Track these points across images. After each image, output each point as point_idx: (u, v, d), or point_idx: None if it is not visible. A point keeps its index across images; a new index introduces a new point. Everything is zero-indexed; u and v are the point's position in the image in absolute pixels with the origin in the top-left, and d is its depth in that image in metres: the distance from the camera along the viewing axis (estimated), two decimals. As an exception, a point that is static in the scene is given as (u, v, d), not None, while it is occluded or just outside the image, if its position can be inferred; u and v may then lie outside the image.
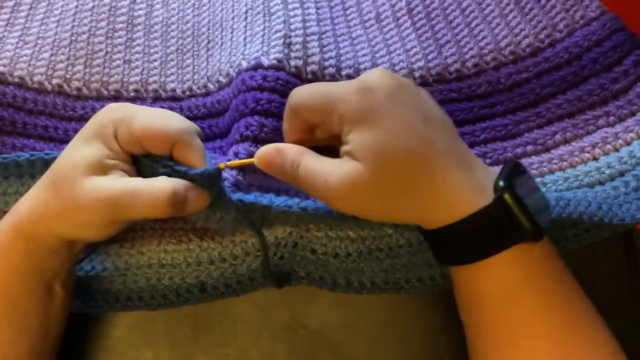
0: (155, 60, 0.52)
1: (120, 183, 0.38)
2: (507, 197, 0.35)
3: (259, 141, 0.43)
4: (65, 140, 0.50)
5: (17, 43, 0.51)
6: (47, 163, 0.41)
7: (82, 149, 0.39)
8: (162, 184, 0.39)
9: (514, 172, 0.37)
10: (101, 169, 0.39)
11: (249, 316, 0.43)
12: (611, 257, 0.44)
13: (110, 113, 0.39)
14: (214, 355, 0.42)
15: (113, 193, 0.38)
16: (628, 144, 0.44)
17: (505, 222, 0.35)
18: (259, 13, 0.51)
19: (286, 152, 0.39)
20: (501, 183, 0.35)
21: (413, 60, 0.51)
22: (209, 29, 0.54)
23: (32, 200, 0.39)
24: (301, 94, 0.39)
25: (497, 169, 0.38)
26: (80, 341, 0.41)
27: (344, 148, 0.37)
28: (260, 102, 0.45)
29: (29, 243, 0.40)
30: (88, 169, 0.39)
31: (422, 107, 0.37)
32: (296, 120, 0.40)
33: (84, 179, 0.38)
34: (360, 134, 0.36)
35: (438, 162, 0.36)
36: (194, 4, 0.53)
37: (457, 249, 0.38)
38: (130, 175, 0.40)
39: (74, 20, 0.53)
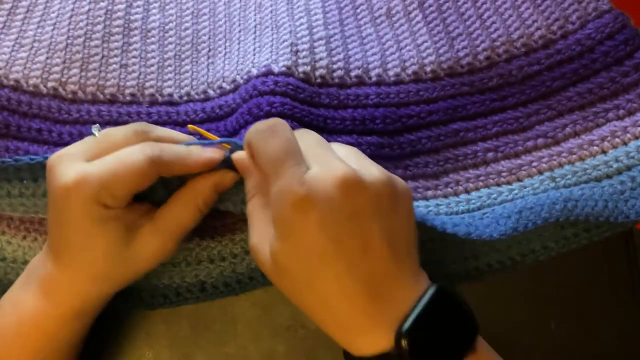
0: (152, 65, 0.59)
1: (166, 228, 0.43)
2: (404, 345, 0.36)
3: None
4: (59, 143, 0.54)
5: (13, 46, 0.59)
6: (31, 167, 0.46)
7: (96, 238, 0.41)
8: (191, 203, 0.44)
9: (432, 301, 0.37)
10: (132, 230, 0.42)
11: (249, 316, 0.48)
12: (611, 257, 0.45)
13: (79, 196, 0.40)
14: (214, 355, 0.46)
15: (175, 240, 0.44)
16: (637, 138, 0.51)
17: None
18: (267, 27, 0.60)
19: (251, 178, 0.43)
20: (404, 327, 0.36)
21: (424, 55, 0.58)
22: (209, 38, 0.61)
23: (76, 290, 0.43)
24: (261, 144, 0.40)
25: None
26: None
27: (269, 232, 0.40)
28: (274, 105, 0.52)
29: (83, 321, 0.45)
30: (126, 242, 0.42)
31: (365, 234, 0.37)
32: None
33: (135, 250, 0.42)
34: (275, 240, 0.38)
35: (340, 304, 0.37)
36: (192, 12, 0.63)
37: None
38: (148, 209, 0.44)
39: (69, 24, 0.60)
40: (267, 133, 0.40)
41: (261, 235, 0.39)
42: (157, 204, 0.45)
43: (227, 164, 0.44)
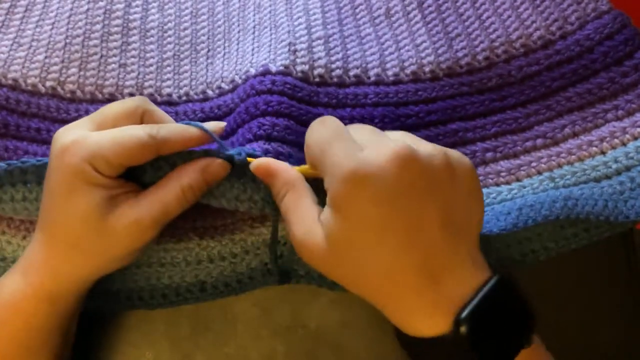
0: (151, 65, 0.59)
1: (148, 203, 0.42)
2: (463, 331, 0.35)
3: (272, 139, 0.50)
4: None
5: (12, 45, 0.60)
6: (38, 168, 0.46)
7: (76, 201, 0.41)
8: (174, 184, 0.43)
9: (492, 291, 0.37)
10: (112, 204, 0.42)
11: (248, 316, 0.49)
12: (611, 257, 0.46)
13: (73, 154, 0.41)
14: (214, 355, 0.48)
15: (152, 216, 0.42)
16: (636, 138, 0.51)
17: (460, 355, 0.36)
18: (266, 27, 0.60)
19: (277, 177, 0.43)
20: (464, 314, 0.36)
21: (423, 55, 0.58)
22: (208, 38, 0.62)
23: (51, 264, 0.42)
24: (309, 135, 0.41)
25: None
26: (80, 341, 0.42)
27: (322, 215, 0.39)
28: (270, 104, 0.52)
29: (57, 304, 0.44)
30: (102, 213, 0.41)
31: (421, 210, 0.36)
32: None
33: (108, 222, 0.41)
34: (333, 219, 0.38)
35: (399, 279, 0.37)
36: (191, 12, 0.63)
37: (415, 356, 0.41)
38: (134, 190, 0.44)
39: (68, 23, 0.60)
40: (317, 123, 0.41)
41: (306, 226, 0.39)
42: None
43: (238, 165, 0.44)
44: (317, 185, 0.41)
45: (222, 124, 0.46)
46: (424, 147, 0.38)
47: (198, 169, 0.43)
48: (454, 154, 0.39)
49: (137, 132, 0.41)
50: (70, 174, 0.40)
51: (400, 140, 0.38)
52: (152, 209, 0.42)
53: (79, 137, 0.41)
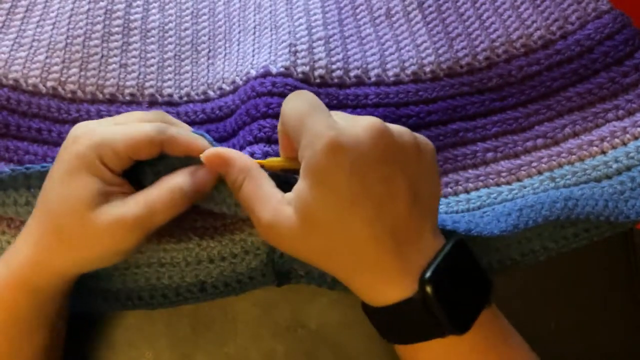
0: (152, 65, 0.59)
1: (134, 203, 0.42)
2: (428, 291, 0.37)
3: (272, 141, 0.50)
4: (58, 143, 0.55)
5: (12, 45, 0.60)
6: (42, 174, 0.45)
7: (72, 186, 0.41)
8: (164, 186, 0.43)
9: (450, 254, 0.39)
10: (104, 199, 0.42)
11: (249, 316, 0.49)
12: (611, 257, 0.46)
13: (82, 141, 0.42)
14: (214, 355, 0.47)
15: (135, 215, 0.42)
16: (636, 138, 0.51)
17: (427, 317, 0.38)
18: (266, 28, 0.60)
19: (232, 165, 0.42)
20: (427, 275, 0.38)
21: (423, 55, 0.58)
22: (209, 39, 0.62)
23: (31, 252, 0.42)
24: (286, 105, 0.42)
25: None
26: (80, 341, 0.42)
27: (291, 193, 0.40)
28: (271, 106, 0.52)
29: (37, 296, 0.43)
30: (92, 204, 0.41)
31: (391, 180, 0.38)
32: (284, 134, 0.43)
33: (93, 215, 0.41)
34: (306, 189, 0.38)
35: (369, 247, 0.38)
36: (192, 12, 0.63)
37: (386, 329, 0.41)
38: (130, 192, 0.44)
39: (69, 23, 0.60)
40: (294, 95, 0.41)
41: (273, 208, 0.39)
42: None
43: None
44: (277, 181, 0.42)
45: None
46: (394, 126, 0.40)
47: (187, 172, 0.43)
48: (419, 135, 0.41)
49: (146, 127, 0.42)
50: (74, 158, 0.41)
51: (372, 118, 0.40)
52: (136, 209, 0.41)
53: (89, 128, 0.42)
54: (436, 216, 0.41)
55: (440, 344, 0.39)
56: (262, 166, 0.43)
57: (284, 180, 0.42)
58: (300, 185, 0.39)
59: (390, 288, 0.38)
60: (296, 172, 0.42)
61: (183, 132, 0.44)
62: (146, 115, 0.45)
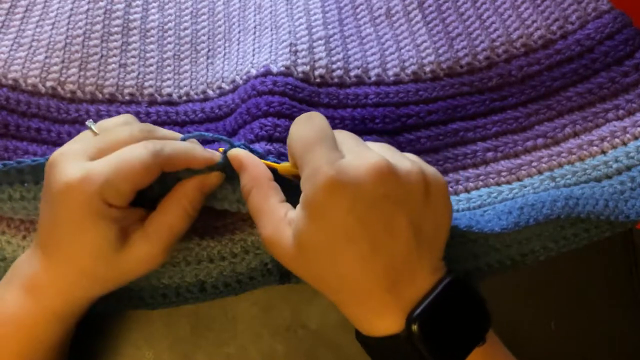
0: (151, 65, 0.60)
1: (156, 236, 0.43)
2: (414, 329, 0.37)
3: (273, 140, 0.50)
4: (58, 142, 0.54)
5: (12, 45, 0.60)
6: (34, 168, 0.46)
7: (88, 236, 0.41)
8: (177, 207, 0.44)
9: (446, 291, 0.39)
10: (124, 235, 0.42)
11: (249, 316, 0.49)
12: (611, 257, 0.45)
13: (83, 190, 0.40)
14: (214, 355, 0.47)
15: (161, 247, 0.43)
16: (636, 138, 0.51)
17: (413, 354, 0.38)
18: (266, 28, 0.60)
19: (246, 171, 0.43)
20: (415, 313, 0.38)
21: (423, 55, 0.58)
22: (209, 38, 0.62)
23: (62, 287, 0.43)
24: (294, 129, 0.42)
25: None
26: (80, 341, 0.42)
27: (291, 213, 0.40)
28: (272, 104, 0.52)
29: (65, 323, 0.44)
30: (115, 246, 0.41)
31: (392, 222, 0.38)
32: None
33: (121, 257, 0.42)
34: (303, 219, 0.39)
35: (360, 283, 0.38)
36: (191, 12, 0.63)
37: (376, 357, 0.42)
38: (141, 215, 0.44)
39: (68, 23, 0.61)
40: (304, 120, 0.41)
41: (274, 225, 0.40)
42: (154, 201, 0.45)
43: (222, 165, 0.45)
44: (289, 184, 0.43)
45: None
46: (403, 163, 0.39)
47: (195, 186, 0.44)
48: (430, 170, 0.40)
49: (140, 153, 0.41)
50: (80, 210, 0.40)
51: (380, 153, 0.39)
52: (161, 238, 0.43)
53: (84, 172, 0.40)
54: (441, 252, 0.41)
55: None
56: (275, 169, 0.44)
57: (296, 184, 0.42)
58: (299, 214, 0.39)
59: (380, 321, 0.39)
60: None
61: (178, 148, 0.43)
62: (134, 131, 0.44)
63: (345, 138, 0.41)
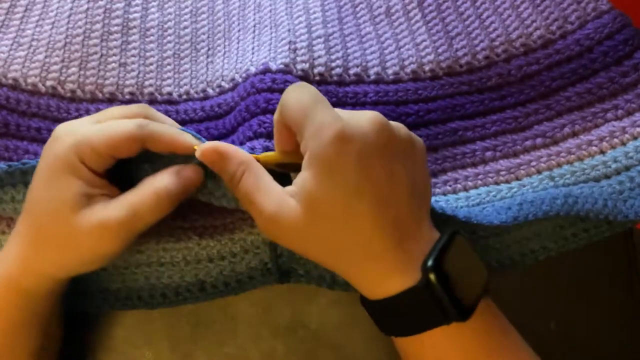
0: (151, 64, 0.60)
1: (117, 206, 0.41)
2: (432, 278, 0.38)
3: (272, 137, 0.49)
4: None
5: (12, 45, 0.60)
6: (24, 173, 0.46)
7: (54, 188, 0.41)
8: (148, 188, 0.42)
9: (448, 243, 0.40)
10: (87, 201, 0.41)
11: (249, 316, 0.50)
12: (611, 257, 0.46)
13: (62, 142, 0.41)
14: (214, 355, 0.48)
15: (118, 219, 0.41)
16: (635, 138, 0.51)
17: (431, 304, 0.38)
18: (266, 26, 0.60)
19: (230, 159, 0.42)
20: (429, 263, 0.38)
21: (423, 54, 0.58)
22: (208, 37, 0.62)
23: (19, 255, 0.42)
24: (289, 96, 0.41)
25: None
26: (79, 341, 0.42)
27: (293, 186, 0.40)
28: (271, 102, 0.52)
29: (27, 297, 0.43)
30: (74, 207, 0.41)
31: (393, 171, 0.39)
32: (282, 126, 0.43)
33: (76, 218, 0.41)
34: (312, 179, 0.39)
35: (374, 238, 0.39)
36: (191, 11, 0.63)
37: (388, 322, 0.42)
38: (112, 192, 0.43)
39: (68, 23, 0.61)
40: (296, 87, 0.42)
41: (276, 200, 0.39)
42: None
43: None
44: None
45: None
46: (391, 122, 0.41)
47: (172, 172, 0.43)
48: (411, 132, 0.42)
49: (127, 123, 0.42)
50: (55, 159, 0.41)
51: (374, 112, 0.41)
52: (120, 212, 0.41)
53: (69, 129, 0.42)
54: (429, 208, 0.42)
55: (444, 333, 0.39)
56: (258, 161, 0.44)
57: (279, 174, 0.42)
58: (305, 176, 0.39)
59: (393, 279, 0.39)
60: (292, 166, 0.43)
61: (166, 128, 0.43)
62: (128, 109, 0.45)
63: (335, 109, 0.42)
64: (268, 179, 0.41)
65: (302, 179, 0.39)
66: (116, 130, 0.41)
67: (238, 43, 0.60)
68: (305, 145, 0.39)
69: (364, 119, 0.39)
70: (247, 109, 0.52)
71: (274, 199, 0.39)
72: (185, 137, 0.43)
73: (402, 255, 0.39)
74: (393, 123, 0.40)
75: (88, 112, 0.55)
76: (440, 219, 0.46)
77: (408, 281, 0.38)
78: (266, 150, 0.48)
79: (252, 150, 0.48)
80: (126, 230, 0.41)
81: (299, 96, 0.41)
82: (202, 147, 0.42)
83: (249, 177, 0.41)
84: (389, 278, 0.39)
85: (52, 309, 0.45)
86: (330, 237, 0.39)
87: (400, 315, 0.40)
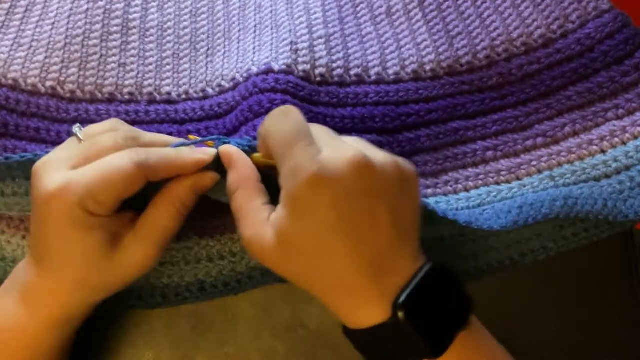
0: (150, 64, 0.60)
1: (149, 236, 0.43)
2: (400, 316, 0.37)
3: None
4: (57, 142, 0.54)
5: (12, 45, 0.60)
6: (22, 165, 0.46)
7: (76, 246, 0.41)
8: (169, 208, 0.44)
9: (428, 277, 0.39)
10: (114, 240, 0.42)
11: (249, 316, 0.52)
12: (611, 257, 0.45)
13: (63, 201, 0.40)
14: (214, 355, 0.49)
15: (155, 246, 0.43)
16: (636, 137, 0.51)
17: (401, 341, 0.38)
18: (267, 27, 0.60)
19: (234, 170, 0.43)
20: (400, 299, 0.38)
21: (424, 53, 0.58)
22: (208, 37, 0.62)
23: (60, 296, 0.42)
24: (272, 126, 0.41)
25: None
26: (79, 341, 0.42)
27: (273, 214, 0.40)
28: (274, 102, 0.52)
29: (64, 329, 0.44)
30: (107, 253, 0.41)
31: (372, 211, 0.38)
32: (263, 142, 0.43)
33: (116, 260, 0.42)
34: (285, 217, 0.39)
35: (347, 275, 0.39)
36: (191, 11, 0.64)
37: (367, 351, 0.42)
38: (131, 218, 0.44)
39: (68, 23, 0.61)
40: (280, 115, 0.41)
41: (256, 224, 0.40)
42: (144, 200, 0.45)
43: (215, 164, 0.45)
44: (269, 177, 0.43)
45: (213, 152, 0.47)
46: (377, 155, 0.40)
47: (189, 187, 0.44)
48: (402, 161, 0.41)
49: (123, 163, 0.41)
50: (64, 222, 0.40)
51: (355, 146, 0.40)
52: (155, 238, 0.43)
53: (64, 182, 0.40)
54: (417, 240, 0.42)
55: None
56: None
57: (268, 175, 0.43)
58: (280, 212, 0.39)
59: (366, 312, 0.39)
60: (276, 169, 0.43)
61: (161, 154, 0.43)
62: (114, 137, 0.43)
63: (320, 132, 0.41)
64: (258, 202, 0.41)
65: (278, 214, 0.39)
66: (116, 176, 0.40)
67: (238, 43, 0.60)
68: (282, 183, 0.39)
69: (343, 159, 0.38)
70: (250, 109, 0.52)
71: (254, 224, 0.40)
72: (186, 158, 0.44)
73: (376, 290, 0.38)
74: (379, 160, 0.39)
75: (87, 113, 0.56)
76: (435, 238, 0.47)
77: (380, 316, 0.38)
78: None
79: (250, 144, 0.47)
80: (163, 249, 0.44)
81: (281, 129, 0.40)
82: (223, 148, 0.44)
83: (241, 195, 0.42)
84: (361, 311, 0.39)
85: (81, 325, 0.46)
86: (304, 270, 0.40)
87: (378, 346, 0.40)
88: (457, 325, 0.40)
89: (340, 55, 0.58)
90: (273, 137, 0.41)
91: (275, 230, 0.39)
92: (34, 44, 0.59)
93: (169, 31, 0.61)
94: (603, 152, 0.51)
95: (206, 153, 0.45)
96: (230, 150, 0.44)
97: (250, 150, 0.44)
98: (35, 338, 0.43)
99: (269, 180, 0.43)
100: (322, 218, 0.37)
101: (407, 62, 0.57)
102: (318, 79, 0.56)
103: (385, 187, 0.39)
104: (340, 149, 0.39)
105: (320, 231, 0.38)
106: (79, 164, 0.41)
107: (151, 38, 0.60)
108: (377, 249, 0.38)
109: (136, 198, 0.43)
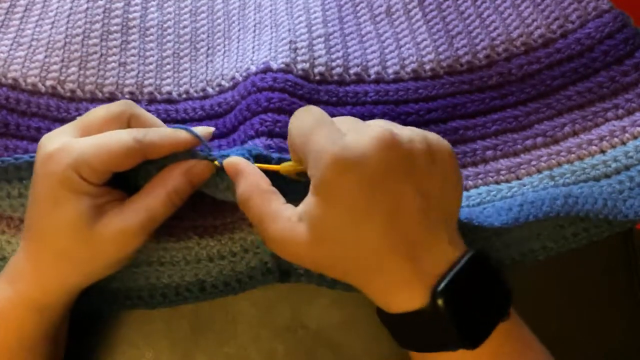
0: (151, 64, 0.60)
1: (134, 212, 0.42)
2: (440, 304, 0.37)
3: (273, 135, 0.51)
4: None
5: (12, 45, 0.60)
6: (31, 165, 0.45)
7: (61, 210, 0.41)
8: (160, 190, 0.43)
9: (468, 267, 0.38)
10: (99, 212, 0.42)
11: (249, 316, 0.53)
12: (612, 258, 0.46)
13: (58, 162, 0.41)
14: (214, 355, 0.50)
15: (138, 224, 0.42)
16: (635, 137, 0.51)
17: (438, 329, 0.38)
18: (266, 26, 0.60)
19: (244, 177, 0.43)
20: (440, 287, 0.37)
21: (423, 53, 0.58)
22: (208, 36, 0.62)
23: (38, 274, 0.43)
24: (292, 125, 0.42)
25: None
26: (79, 341, 0.42)
27: (301, 206, 0.40)
28: (272, 100, 0.52)
29: (44, 313, 0.44)
30: (90, 221, 0.41)
31: (400, 191, 0.38)
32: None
33: (94, 231, 0.41)
34: (317, 206, 0.38)
35: (383, 257, 0.38)
36: (190, 10, 0.64)
37: (401, 336, 0.41)
38: (121, 197, 0.44)
39: (68, 22, 0.61)
40: (301, 112, 0.41)
41: (285, 225, 0.39)
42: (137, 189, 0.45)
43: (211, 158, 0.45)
44: (290, 186, 0.43)
45: (210, 129, 0.47)
46: (404, 132, 0.39)
47: (182, 171, 0.43)
48: (433, 137, 0.40)
49: (123, 136, 0.42)
50: (55, 182, 0.41)
51: (381, 124, 0.40)
52: (138, 216, 0.42)
53: (62, 144, 0.41)
54: (454, 222, 0.41)
55: (457, 354, 0.38)
56: (278, 172, 0.44)
57: (300, 182, 0.43)
58: (311, 202, 0.39)
59: (404, 297, 0.38)
60: None
61: (161, 133, 0.43)
62: (113, 110, 0.44)
63: (343, 120, 0.41)
64: (276, 204, 0.41)
65: (309, 205, 0.39)
66: (114, 147, 0.41)
67: (238, 42, 0.60)
68: (309, 172, 0.39)
69: (367, 138, 0.37)
70: (248, 108, 0.53)
71: (281, 224, 0.39)
72: (180, 135, 0.44)
73: (414, 275, 0.38)
74: (406, 136, 0.38)
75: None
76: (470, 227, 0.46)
77: (417, 302, 0.38)
78: (268, 149, 0.49)
79: (266, 156, 0.46)
80: (145, 231, 0.43)
81: (300, 124, 0.40)
82: (229, 160, 0.43)
83: (256, 201, 0.41)
84: (399, 296, 0.39)
85: (64, 318, 0.46)
86: (340, 257, 0.39)
87: (412, 332, 0.40)
88: (497, 316, 0.39)
89: (340, 54, 0.58)
90: (295, 134, 0.41)
91: (307, 223, 0.38)
92: (34, 43, 0.59)
93: (169, 30, 0.61)
94: (603, 152, 0.51)
95: (200, 132, 0.45)
96: (235, 160, 0.43)
97: (250, 157, 0.44)
98: (18, 320, 0.43)
99: (301, 185, 0.42)
100: (351, 200, 0.37)
101: (406, 62, 0.57)
102: (317, 77, 0.56)
103: (413, 166, 0.38)
104: (365, 130, 0.38)
105: (352, 214, 0.37)
106: (80, 135, 0.43)
107: (151, 37, 0.60)
108: (406, 230, 0.38)
109: (130, 189, 0.44)
